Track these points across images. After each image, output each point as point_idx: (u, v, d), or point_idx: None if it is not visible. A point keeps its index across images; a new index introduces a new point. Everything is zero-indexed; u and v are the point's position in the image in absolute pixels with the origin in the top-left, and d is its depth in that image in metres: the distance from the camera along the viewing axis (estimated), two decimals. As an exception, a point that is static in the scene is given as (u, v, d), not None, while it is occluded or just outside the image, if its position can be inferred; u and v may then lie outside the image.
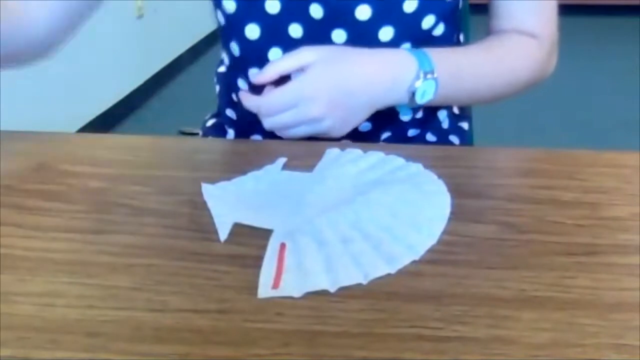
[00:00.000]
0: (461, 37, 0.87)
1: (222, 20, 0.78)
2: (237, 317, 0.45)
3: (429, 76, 0.69)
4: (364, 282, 0.47)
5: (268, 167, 0.63)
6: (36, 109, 2.34)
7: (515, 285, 0.47)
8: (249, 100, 0.72)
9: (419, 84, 0.68)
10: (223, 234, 0.53)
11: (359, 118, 0.70)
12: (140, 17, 3.12)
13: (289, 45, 0.73)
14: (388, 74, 0.69)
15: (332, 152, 0.66)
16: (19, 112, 2.17)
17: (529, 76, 0.77)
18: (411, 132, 0.82)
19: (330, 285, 0.47)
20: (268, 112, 0.69)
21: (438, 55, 0.70)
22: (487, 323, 0.44)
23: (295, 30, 0.74)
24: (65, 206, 0.59)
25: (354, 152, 0.65)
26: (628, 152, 0.66)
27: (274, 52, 0.75)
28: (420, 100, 0.69)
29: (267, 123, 0.69)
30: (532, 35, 0.76)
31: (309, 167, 0.63)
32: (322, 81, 0.67)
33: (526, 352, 0.41)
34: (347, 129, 0.69)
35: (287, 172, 0.63)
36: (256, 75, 0.71)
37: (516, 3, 0.76)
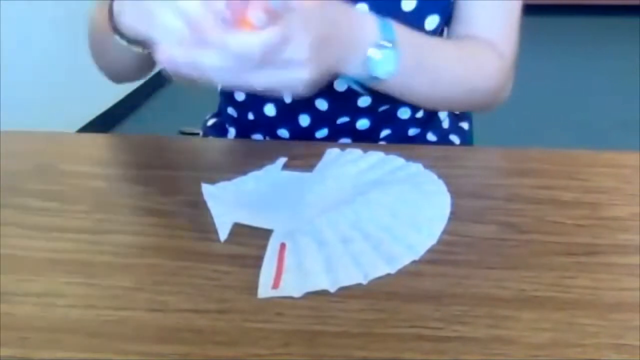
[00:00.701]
0: None
1: None
2: (237, 317, 0.45)
3: (388, 45, 0.60)
4: (364, 282, 0.47)
5: (268, 167, 0.63)
6: (36, 109, 2.34)
7: (515, 285, 0.47)
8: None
9: (375, 52, 0.60)
10: (223, 234, 0.53)
11: (330, 71, 0.59)
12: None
13: None
14: (348, 30, 0.60)
15: (332, 153, 0.66)
16: (19, 112, 2.17)
17: (489, 83, 0.73)
18: (411, 132, 0.82)
19: (330, 285, 0.47)
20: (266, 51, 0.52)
21: (402, 30, 0.63)
22: (487, 323, 0.44)
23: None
24: (66, 206, 0.59)
25: (354, 152, 0.65)
26: (628, 152, 0.66)
27: None
28: (376, 71, 0.61)
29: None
30: (493, 46, 0.73)
31: (309, 167, 0.63)
32: (313, 19, 0.54)
33: (526, 352, 0.42)
34: (318, 83, 0.56)
35: (287, 172, 0.63)
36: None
37: (481, 11, 0.73)
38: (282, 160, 0.64)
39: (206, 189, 0.59)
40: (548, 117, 2.71)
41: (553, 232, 0.54)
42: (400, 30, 0.63)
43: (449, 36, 0.76)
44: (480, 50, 0.72)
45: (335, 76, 0.62)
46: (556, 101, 2.84)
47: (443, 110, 0.79)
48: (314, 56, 0.53)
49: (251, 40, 0.50)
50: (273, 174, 0.63)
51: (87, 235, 0.55)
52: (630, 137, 2.45)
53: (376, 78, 0.62)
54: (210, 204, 0.57)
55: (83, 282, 0.49)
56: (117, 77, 0.76)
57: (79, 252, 0.52)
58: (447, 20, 0.75)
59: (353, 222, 0.54)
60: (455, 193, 0.58)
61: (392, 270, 0.49)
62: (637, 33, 3.52)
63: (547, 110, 2.76)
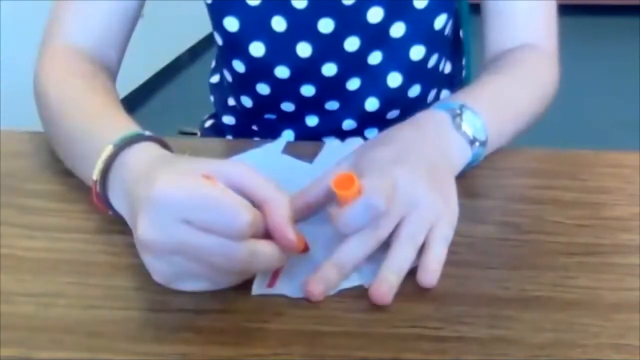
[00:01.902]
0: (461, 33, 0.88)
1: (221, 39, 0.76)
2: (237, 317, 0.45)
3: (463, 110, 0.59)
4: (366, 285, 0.47)
5: (268, 146, 0.63)
6: (36, 109, 2.33)
7: (516, 285, 0.47)
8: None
9: (460, 122, 0.58)
10: None
11: (453, 189, 0.54)
12: (140, 17, 3.12)
13: (296, 61, 0.73)
14: (432, 137, 0.57)
15: (332, 144, 0.65)
16: (19, 112, 2.16)
17: (551, 89, 0.74)
18: None
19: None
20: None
21: (462, 95, 0.62)
22: (487, 323, 0.44)
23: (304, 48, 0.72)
24: (66, 206, 0.59)
25: (354, 141, 0.65)
26: (628, 152, 0.66)
27: (281, 70, 0.74)
28: (477, 133, 0.59)
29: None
30: (537, 48, 0.73)
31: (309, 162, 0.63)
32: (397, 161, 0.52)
33: (527, 352, 0.41)
34: (453, 209, 0.52)
35: (287, 158, 0.62)
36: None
37: (520, 10, 0.73)
38: (284, 140, 0.64)
39: None
40: (548, 117, 2.71)
41: (554, 232, 0.54)
42: (460, 95, 0.62)
43: (485, 37, 0.76)
44: (529, 61, 0.72)
45: None
46: (556, 101, 2.84)
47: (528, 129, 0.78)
48: (431, 191, 0.51)
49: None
50: (273, 156, 0.62)
51: (88, 235, 0.55)
52: (630, 137, 2.45)
53: (484, 140, 0.60)
54: None
55: (83, 282, 0.49)
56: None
57: (79, 252, 0.52)
58: (452, 18, 0.76)
59: None
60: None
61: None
62: (637, 33, 3.52)
63: (548, 110, 2.76)
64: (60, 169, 0.66)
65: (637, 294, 0.46)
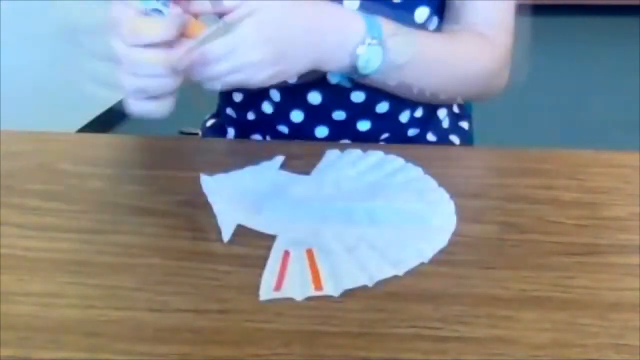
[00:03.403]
0: None
1: None
2: (237, 317, 0.45)
3: (374, 42, 0.63)
4: (370, 284, 0.47)
5: (265, 163, 0.63)
6: (36, 109, 2.34)
7: (515, 285, 0.47)
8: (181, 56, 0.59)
9: (362, 49, 0.63)
10: (227, 235, 0.53)
11: (295, 71, 0.63)
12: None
13: None
14: (334, 31, 0.63)
15: (332, 154, 0.65)
16: (19, 112, 2.16)
17: (482, 74, 0.74)
18: (411, 132, 0.82)
19: (333, 290, 0.47)
20: (205, 58, 0.58)
21: (390, 25, 0.65)
22: (487, 323, 0.44)
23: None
24: (65, 206, 0.59)
25: (354, 152, 0.65)
26: (628, 152, 0.66)
27: None
28: (363, 68, 0.64)
29: (202, 73, 0.60)
30: (485, 36, 0.74)
31: (308, 167, 0.63)
32: (268, 27, 0.59)
33: (526, 352, 0.42)
34: (280, 79, 0.62)
35: (285, 173, 0.63)
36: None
37: (472, 5, 0.74)
38: (280, 158, 0.64)
39: (205, 181, 0.59)
40: (548, 117, 2.71)
41: (553, 232, 0.54)
42: (388, 26, 0.65)
43: (442, 30, 0.77)
44: (470, 38, 0.74)
45: (321, 71, 0.65)
46: (556, 101, 2.84)
47: (436, 100, 0.79)
48: (269, 58, 0.59)
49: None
50: (271, 173, 0.62)
51: (87, 235, 0.55)
52: (630, 137, 2.45)
53: (363, 74, 0.64)
54: (212, 199, 0.57)
55: (83, 282, 0.49)
56: None
57: (79, 252, 0.52)
58: (437, 12, 0.76)
59: (359, 235, 0.53)
60: (455, 193, 0.58)
61: (400, 272, 0.49)
62: (637, 33, 3.52)
63: (547, 110, 2.75)
64: (60, 169, 0.66)
65: (636, 294, 0.46)
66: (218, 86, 0.61)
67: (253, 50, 0.59)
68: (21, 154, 0.69)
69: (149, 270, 0.50)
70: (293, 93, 0.77)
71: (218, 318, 0.45)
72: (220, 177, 0.61)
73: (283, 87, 0.76)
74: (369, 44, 0.63)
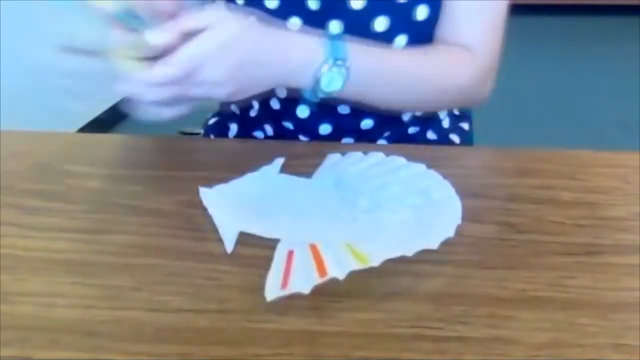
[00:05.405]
0: None
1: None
2: (237, 317, 0.45)
3: (338, 62, 0.65)
4: (376, 264, 0.47)
5: (265, 169, 0.63)
6: (36, 109, 2.34)
7: (515, 285, 0.47)
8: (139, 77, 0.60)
9: (325, 69, 0.64)
10: (229, 245, 0.52)
11: (257, 90, 0.66)
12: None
13: None
14: (297, 52, 0.65)
15: (333, 157, 0.65)
16: (19, 112, 2.17)
17: (458, 89, 0.74)
18: (411, 130, 0.82)
19: (339, 273, 0.46)
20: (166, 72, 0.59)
21: (357, 47, 0.67)
22: (487, 323, 0.44)
23: (293, 23, 0.74)
24: (65, 206, 0.59)
25: (355, 155, 0.65)
26: (627, 152, 0.66)
27: None
28: (326, 87, 0.66)
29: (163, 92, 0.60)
30: (469, 50, 0.74)
31: (309, 167, 0.63)
32: (231, 44, 0.61)
33: (526, 352, 0.42)
34: (242, 97, 0.65)
35: (285, 177, 0.62)
36: (155, 34, 0.60)
37: (460, 12, 0.74)
38: (280, 160, 0.64)
39: (204, 193, 0.59)
40: (548, 117, 2.71)
41: (553, 232, 0.54)
42: (355, 47, 0.66)
43: (434, 37, 0.77)
44: (447, 52, 0.74)
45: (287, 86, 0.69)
46: (556, 101, 2.84)
47: (414, 111, 0.80)
48: (230, 78, 0.61)
49: (165, 68, 0.58)
50: (271, 177, 0.62)
51: (87, 235, 0.55)
52: (630, 137, 2.45)
53: (326, 92, 0.66)
54: (212, 211, 0.57)
55: (83, 282, 0.49)
56: None
57: (79, 252, 0.52)
58: (438, 14, 0.76)
59: (362, 227, 0.53)
60: (456, 193, 0.58)
61: (409, 252, 0.48)
62: (637, 33, 3.52)
63: (547, 110, 2.76)
64: (60, 169, 0.66)
65: (636, 294, 0.46)
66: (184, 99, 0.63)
67: (217, 68, 0.61)
68: (21, 154, 0.69)
69: (148, 270, 0.50)
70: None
71: (218, 318, 0.45)
72: (220, 188, 0.60)
73: None
74: (333, 65, 0.65)
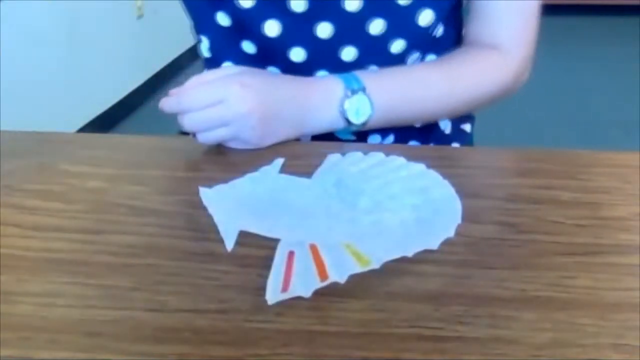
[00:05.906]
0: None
1: (229, 19, 0.76)
2: (237, 317, 0.45)
3: (359, 92, 0.67)
4: (377, 266, 0.47)
5: (265, 168, 0.63)
6: (36, 109, 2.34)
7: (515, 285, 0.47)
8: (168, 102, 0.67)
9: (348, 103, 0.67)
10: (230, 244, 0.52)
11: (283, 133, 0.68)
12: (139, 17, 3.12)
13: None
14: (316, 95, 0.67)
15: (333, 157, 0.65)
16: (19, 112, 2.17)
17: (492, 91, 0.75)
18: (412, 143, 0.82)
19: (340, 276, 0.46)
20: (190, 105, 0.64)
21: (369, 75, 0.69)
22: (487, 323, 0.44)
23: (271, 26, 0.73)
24: (65, 206, 0.59)
25: (355, 155, 0.65)
26: (628, 152, 0.66)
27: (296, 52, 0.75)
28: (356, 119, 0.68)
29: (188, 120, 0.65)
30: (501, 49, 0.74)
31: (309, 167, 0.63)
32: (254, 84, 0.64)
33: (526, 352, 0.41)
34: (268, 141, 0.67)
35: (285, 177, 0.62)
36: (174, 92, 0.66)
37: (492, 10, 0.74)
38: (280, 161, 0.64)
39: (204, 193, 0.59)
40: (548, 117, 2.71)
41: (553, 232, 0.54)
42: (366, 76, 0.69)
43: (464, 36, 0.78)
44: (475, 57, 0.74)
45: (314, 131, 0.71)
46: (556, 101, 2.84)
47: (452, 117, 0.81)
48: (259, 132, 0.65)
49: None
50: (271, 177, 0.62)
51: (87, 235, 0.55)
52: (630, 137, 2.46)
53: (358, 124, 0.68)
54: (212, 210, 0.57)
55: (82, 282, 0.49)
56: None
57: (79, 252, 0.52)
58: (444, 19, 0.75)
59: (363, 227, 0.53)
60: (456, 193, 0.58)
61: (409, 253, 0.49)
62: (637, 33, 3.52)
63: (548, 110, 2.76)
64: (60, 169, 0.66)
65: (636, 294, 0.46)
66: (210, 138, 0.67)
67: (242, 101, 0.63)
68: (21, 154, 0.69)
69: (148, 270, 0.50)
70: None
71: (218, 318, 0.45)
72: (220, 188, 0.60)
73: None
74: (353, 95, 0.67)
